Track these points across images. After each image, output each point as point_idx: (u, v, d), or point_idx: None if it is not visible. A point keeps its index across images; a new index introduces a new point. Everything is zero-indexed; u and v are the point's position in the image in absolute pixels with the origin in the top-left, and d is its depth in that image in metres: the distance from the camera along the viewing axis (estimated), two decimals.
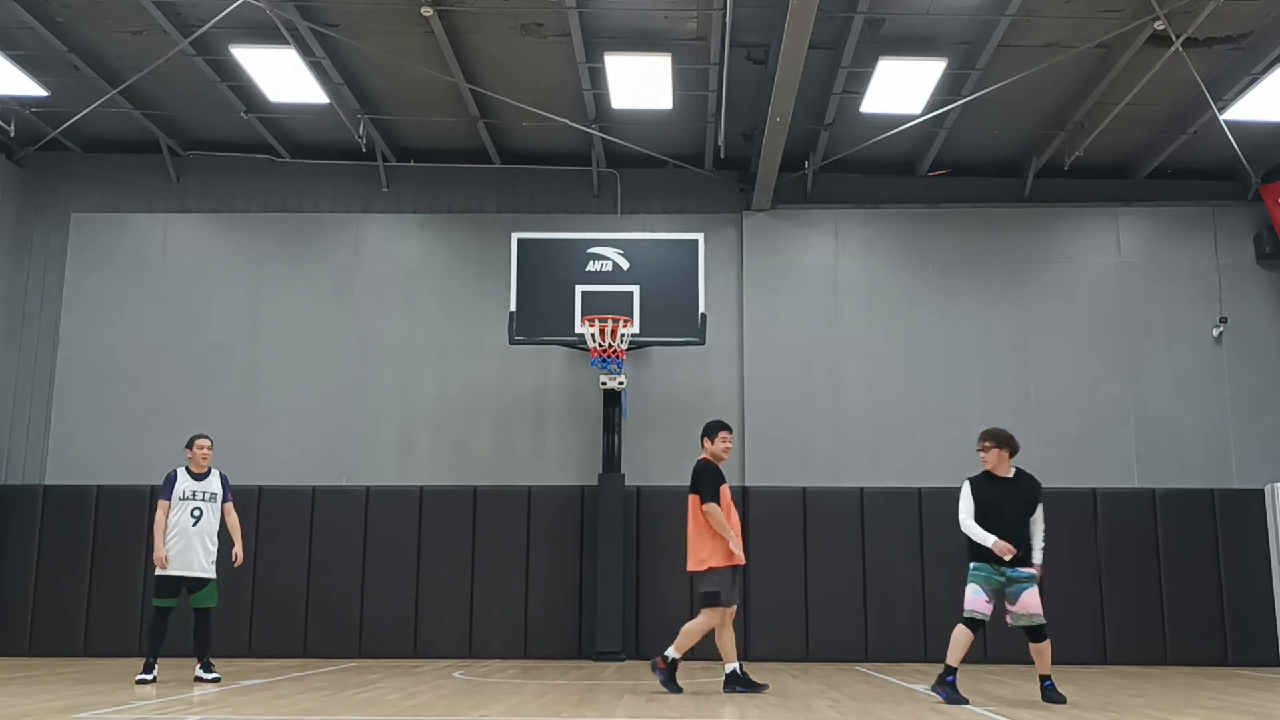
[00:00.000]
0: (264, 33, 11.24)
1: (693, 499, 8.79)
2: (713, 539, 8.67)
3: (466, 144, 14.16)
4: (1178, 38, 10.72)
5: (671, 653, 8.62)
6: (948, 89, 12.25)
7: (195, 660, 9.69)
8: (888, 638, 13.19)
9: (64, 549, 13.48)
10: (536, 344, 13.34)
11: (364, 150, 13.89)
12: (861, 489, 13.57)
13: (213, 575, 9.79)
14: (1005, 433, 8.44)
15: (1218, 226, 14.21)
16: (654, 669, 8.68)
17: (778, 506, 13.56)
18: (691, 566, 8.79)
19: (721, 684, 8.85)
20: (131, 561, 13.32)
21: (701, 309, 13.05)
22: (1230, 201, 14.27)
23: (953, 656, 8.11)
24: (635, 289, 13.07)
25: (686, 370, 13.92)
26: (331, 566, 13.46)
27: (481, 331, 13.89)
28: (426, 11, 10.77)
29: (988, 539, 8.06)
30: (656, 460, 13.69)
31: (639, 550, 13.46)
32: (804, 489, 13.58)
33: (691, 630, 8.68)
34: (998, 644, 12.82)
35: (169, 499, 9.70)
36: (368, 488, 13.66)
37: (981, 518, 8.20)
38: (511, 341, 13.09)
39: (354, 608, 13.35)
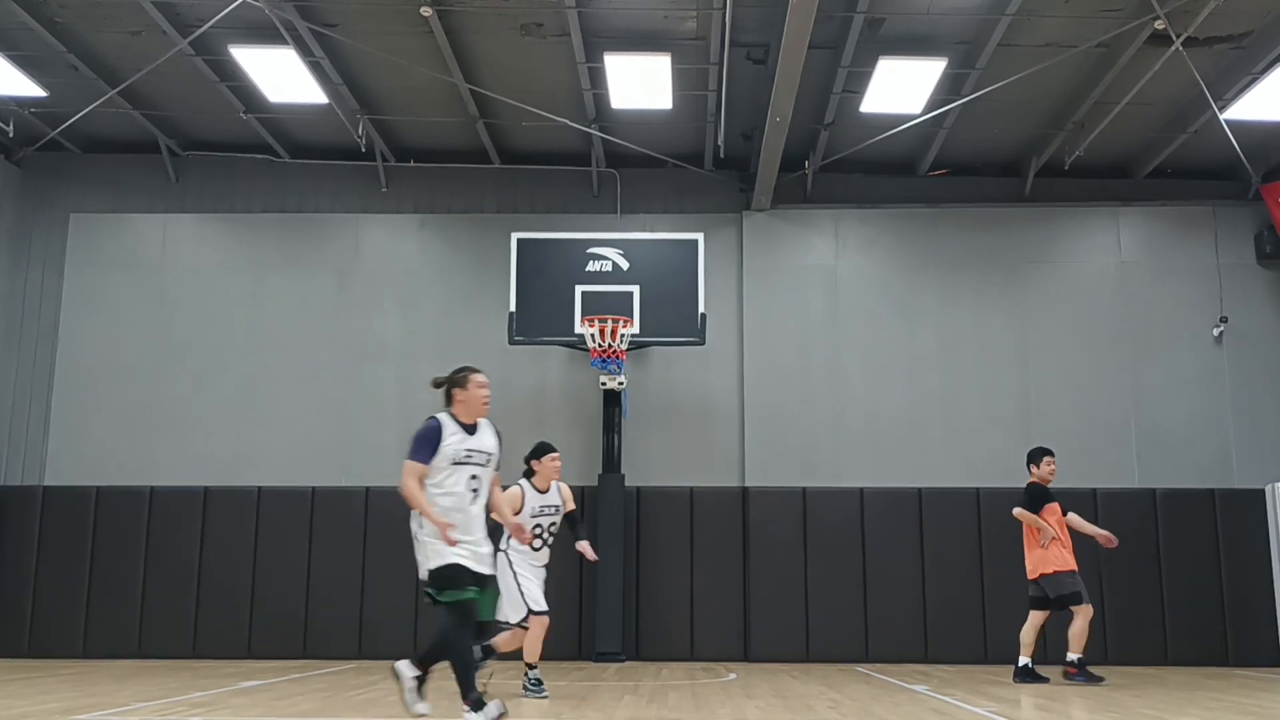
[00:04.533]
0: (263, 33, 11.22)
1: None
2: (1047, 548, 9.97)
3: (466, 144, 14.14)
4: (1178, 37, 10.71)
5: (1072, 656, 9.84)
6: (948, 89, 12.24)
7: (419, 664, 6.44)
8: (888, 638, 13.17)
9: (64, 549, 13.46)
10: (536, 344, 13.33)
11: (363, 150, 13.88)
12: (861, 489, 13.56)
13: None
14: None
15: (1218, 226, 14.20)
16: (1068, 678, 9.81)
17: (778, 506, 13.54)
18: (1040, 570, 10.02)
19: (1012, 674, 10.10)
20: (131, 562, 13.32)
21: (701, 309, 13.04)
22: (1230, 201, 14.26)
23: None
24: (635, 289, 13.06)
25: (686, 370, 13.91)
26: (331, 566, 13.46)
27: (481, 332, 13.85)
28: (426, 11, 10.76)
29: None
30: (656, 460, 13.68)
31: (639, 550, 13.45)
32: (804, 489, 13.57)
33: (1080, 631, 9.82)
34: (998, 644, 12.81)
35: (428, 460, 6.35)
36: (368, 488, 13.63)
37: None
38: (511, 342, 13.08)
39: (354, 608, 13.33)
